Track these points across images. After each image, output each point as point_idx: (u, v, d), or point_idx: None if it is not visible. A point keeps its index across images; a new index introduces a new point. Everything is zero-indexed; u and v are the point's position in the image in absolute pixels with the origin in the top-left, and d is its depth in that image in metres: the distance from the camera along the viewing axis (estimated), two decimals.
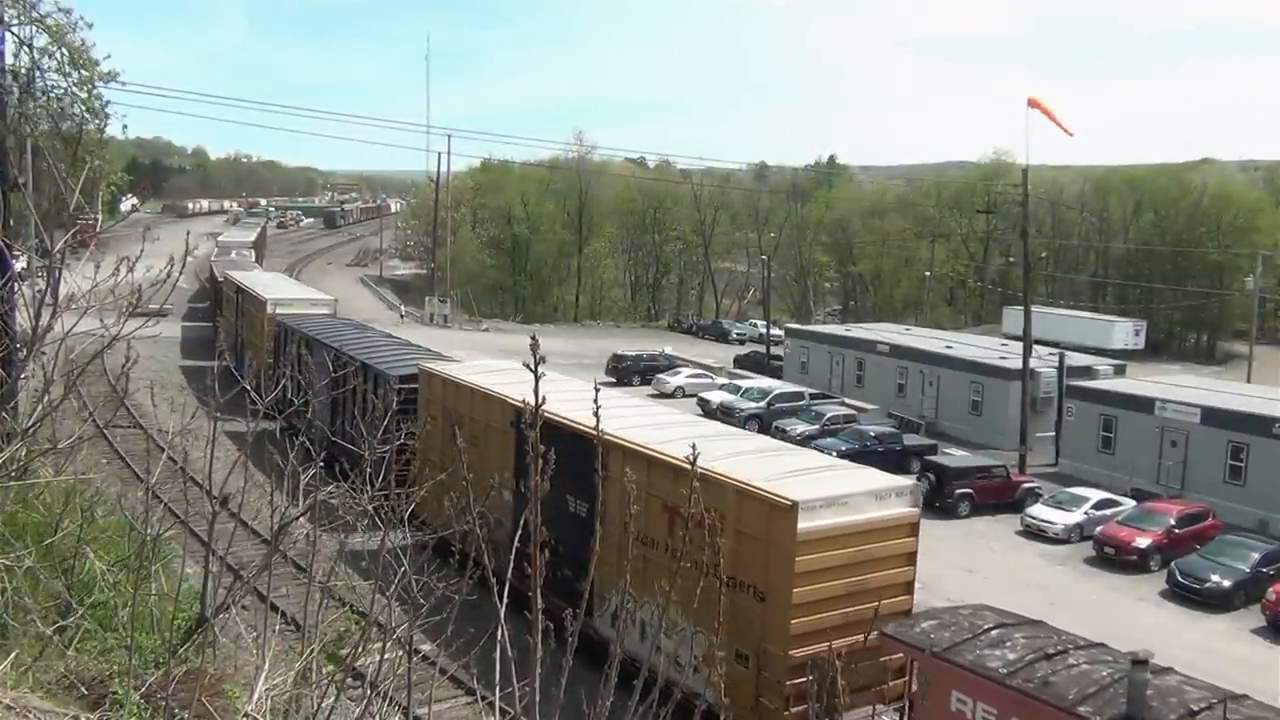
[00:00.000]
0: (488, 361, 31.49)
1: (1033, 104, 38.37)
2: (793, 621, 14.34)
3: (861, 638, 13.96)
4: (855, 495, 15.30)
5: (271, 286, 45.25)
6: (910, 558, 15.79)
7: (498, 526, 19.03)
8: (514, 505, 19.11)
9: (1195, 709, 11.60)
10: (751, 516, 15.07)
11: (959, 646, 13.31)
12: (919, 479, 29.27)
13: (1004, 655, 12.99)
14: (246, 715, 5.57)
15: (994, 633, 13.62)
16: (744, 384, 46.96)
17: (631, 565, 16.25)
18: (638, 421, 19.20)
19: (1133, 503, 31.33)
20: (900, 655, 14.34)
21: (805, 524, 14.43)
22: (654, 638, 15.30)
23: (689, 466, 15.20)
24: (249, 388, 7.84)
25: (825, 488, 15.34)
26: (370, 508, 6.90)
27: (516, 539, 4.03)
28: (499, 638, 4.00)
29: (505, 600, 4.11)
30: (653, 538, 16.52)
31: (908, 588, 15.82)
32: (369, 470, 6.83)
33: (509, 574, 3.95)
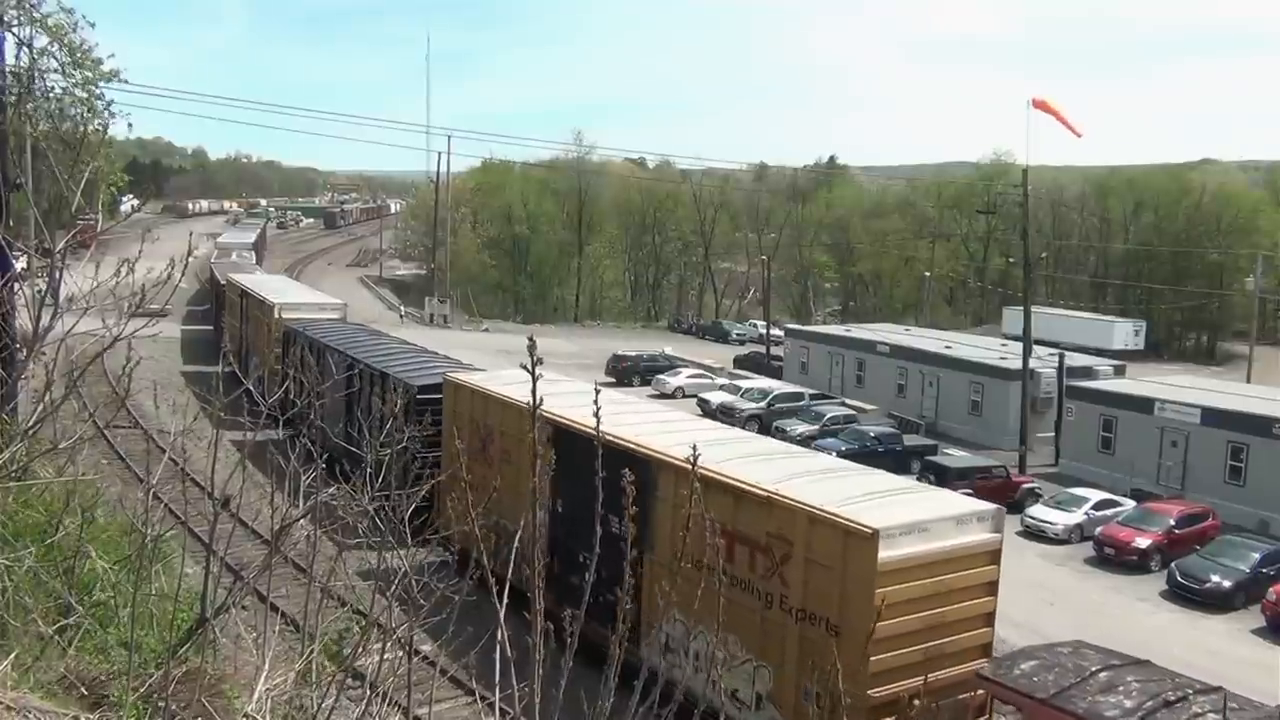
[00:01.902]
0: (518, 371, 30.89)
1: (1039, 105, 38.38)
2: (872, 659, 12.97)
3: (943, 676, 13.21)
4: (936, 521, 14.09)
5: (278, 290, 44.06)
6: (991, 587, 14.64)
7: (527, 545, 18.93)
8: (549, 523, 18.45)
9: None
10: (824, 544, 13.88)
11: (1069, 692, 12.52)
12: (919, 479, 29.27)
13: (1120, 703, 12.20)
14: (246, 715, 5.57)
15: (1103, 675, 12.84)
16: (744, 384, 46.97)
17: (685, 592, 15.78)
18: (688, 439, 17.75)
19: (1133, 503, 31.34)
20: (981, 694, 13.58)
21: (886, 553, 13.24)
22: (708, 668, 14.78)
23: (752, 489, 14.68)
24: (256, 395, 7.79)
25: (905, 513, 14.09)
26: (371, 510, 6.91)
27: (530, 547, 4.00)
28: (499, 638, 4.00)
29: (503, 602, 4.11)
30: (708, 565, 15.86)
31: (988, 620, 14.69)
32: (377, 475, 6.83)
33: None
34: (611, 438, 16.40)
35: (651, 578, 15.29)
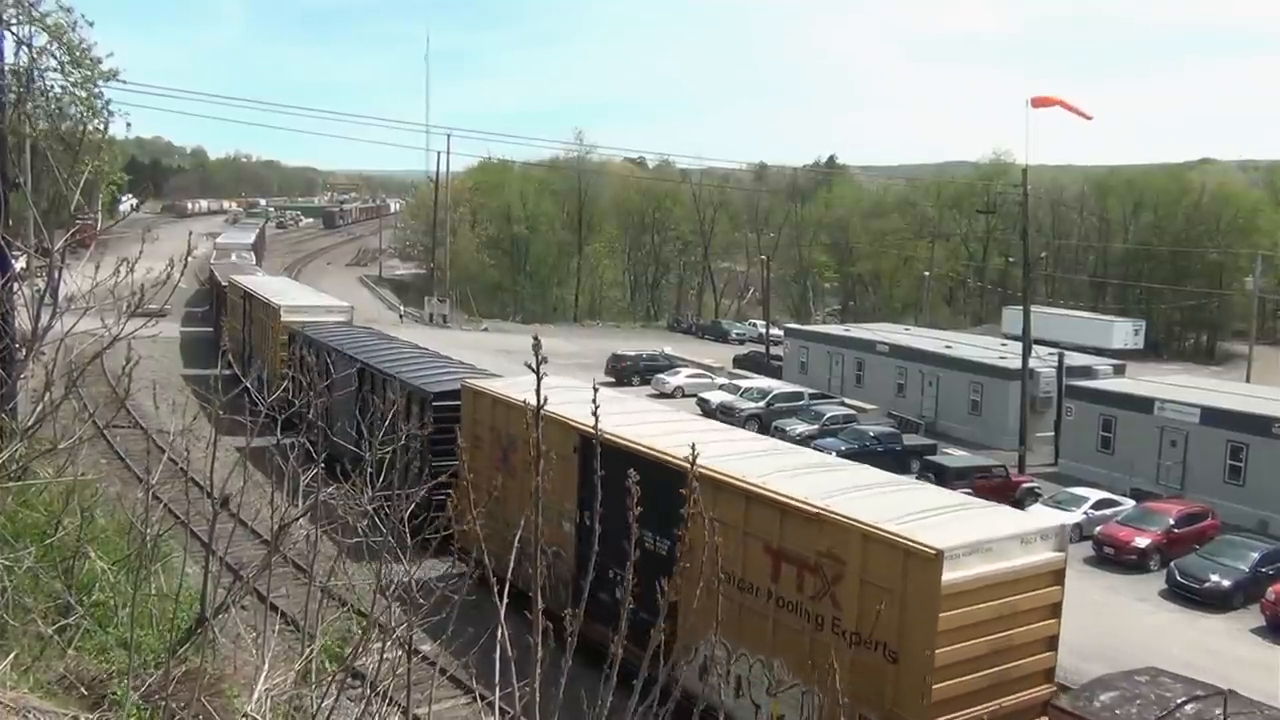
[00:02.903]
0: (548, 379, 29.59)
1: (1040, 102, 38.31)
2: (935, 686, 12.43)
3: (1007, 704, 12.77)
4: (1000, 540, 13.32)
5: (282, 292, 43.04)
6: (1055, 609, 13.94)
7: (557, 560, 17.82)
8: (576, 538, 17.94)
9: None
10: (882, 565, 13.08)
11: None
12: (919, 478, 29.27)
13: None
14: (246, 715, 5.57)
15: (1189, 708, 12.36)
16: (744, 384, 46.97)
17: (726, 612, 14.21)
18: (726, 450, 17.20)
19: (1132, 503, 31.33)
20: None
21: (950, 575, 12.47)
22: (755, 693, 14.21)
23: (800, 505, 14.14)
24: (256, 395, 7.75)
25: (968, 532, 13.29)
26: (370, 509, 6.90)
27: (532, 547, 3.98)
28: (499, 638, 4.00)
29: (504, 601, 4.10)
30: (752, 583, 14.75)
31: (1051, 643, 13.99)
32: (378, 476, 6.81)
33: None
34: (645, 448, 15.77)
35: (688, 596, 15.04)
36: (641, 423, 18.59)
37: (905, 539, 12.86)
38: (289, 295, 42.06)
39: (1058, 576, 13.92)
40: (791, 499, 14.36)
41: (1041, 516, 16.01)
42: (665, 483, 15.98)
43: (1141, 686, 13.12)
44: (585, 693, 3.84)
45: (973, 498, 18.00)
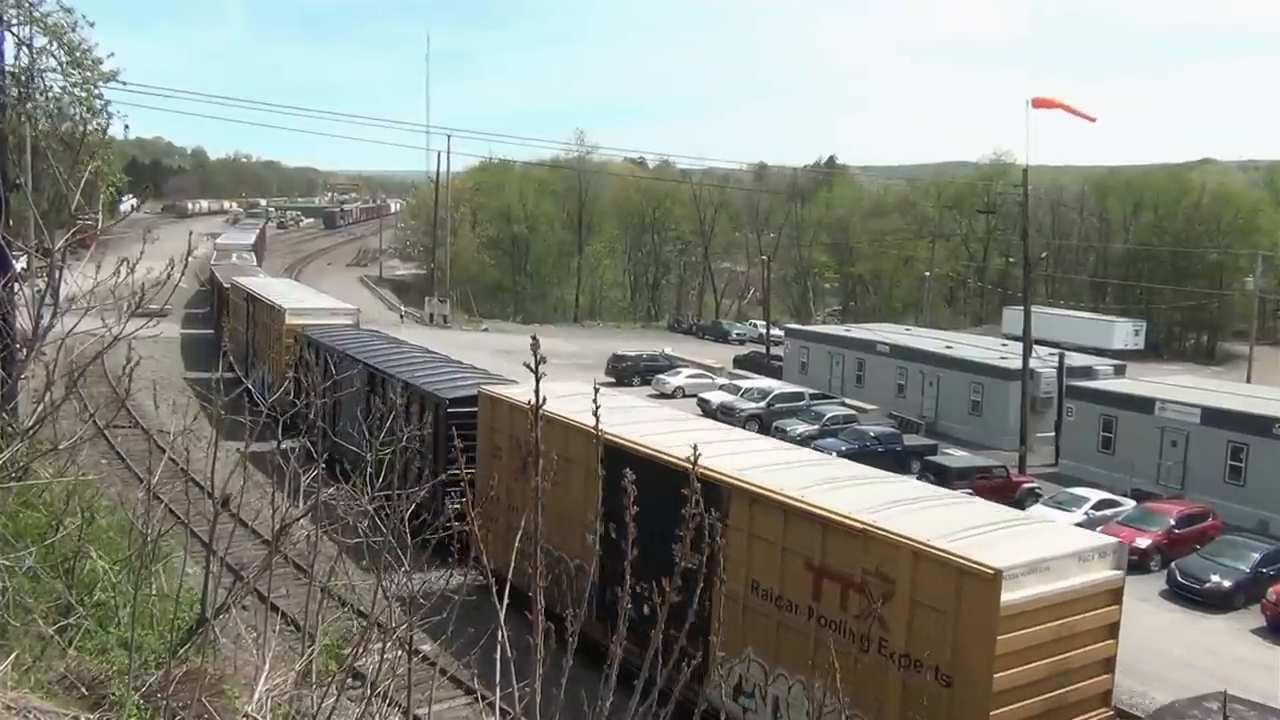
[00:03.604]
0: (563, 384, 27.30)
1: (1041, 103, 38.27)
2: (992, 713, 11.99)
3: None
4: (1058, 558, 12.83)
5: (286, 294, 42.31)
6: (1112, 629, 13.49)
7: (579, 573, 17.14)
8: (600, 551, 17.21)
9: None
10: (934, 584, 12.51)
11: None
12: (919, 478, 29.27)
13: None
14: (246, 715, 5.57)
15: None
16: (744, 384, 46.96)
17: (763, 630, 13.98)
18: (760, 461, 16.57)
19: (1133, 503, 31.31)
20: None
21: (1008, 596, 11.93)
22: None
23: (844, 521, 13.54)
24: (258, 396, 7.77)
25: (1025, 550, 12.69)
26: (369, 509, 6.90)
27: (533, 546, 3.98)
28: (499, 638, 4.00)
29: (504, 602, 4.10)
30: (791, 601, 14.19)
31: (1108, 665, 13.54)
32: (378, 476, 6.80)
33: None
34: (674, 459, 15.24)
35: (722, 613, 14.37)
36: (670, 431, 18.07)
37: (961, 558, 12.26)
38: (293, 297, 41.41)
39: (1116, 595, 13.47)
40: (835, 514, 13.75)
41: (1098, 534, 15.23)
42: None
43: (1213, 716, 12.65)
44: (585, 693, 3.84)
45: (1024, 514, 17.41)
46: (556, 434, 17.68)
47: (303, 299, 42.10)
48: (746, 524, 14.75)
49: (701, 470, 14.37)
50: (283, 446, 7.62)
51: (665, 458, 15.79)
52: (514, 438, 20.39)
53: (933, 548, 12.58)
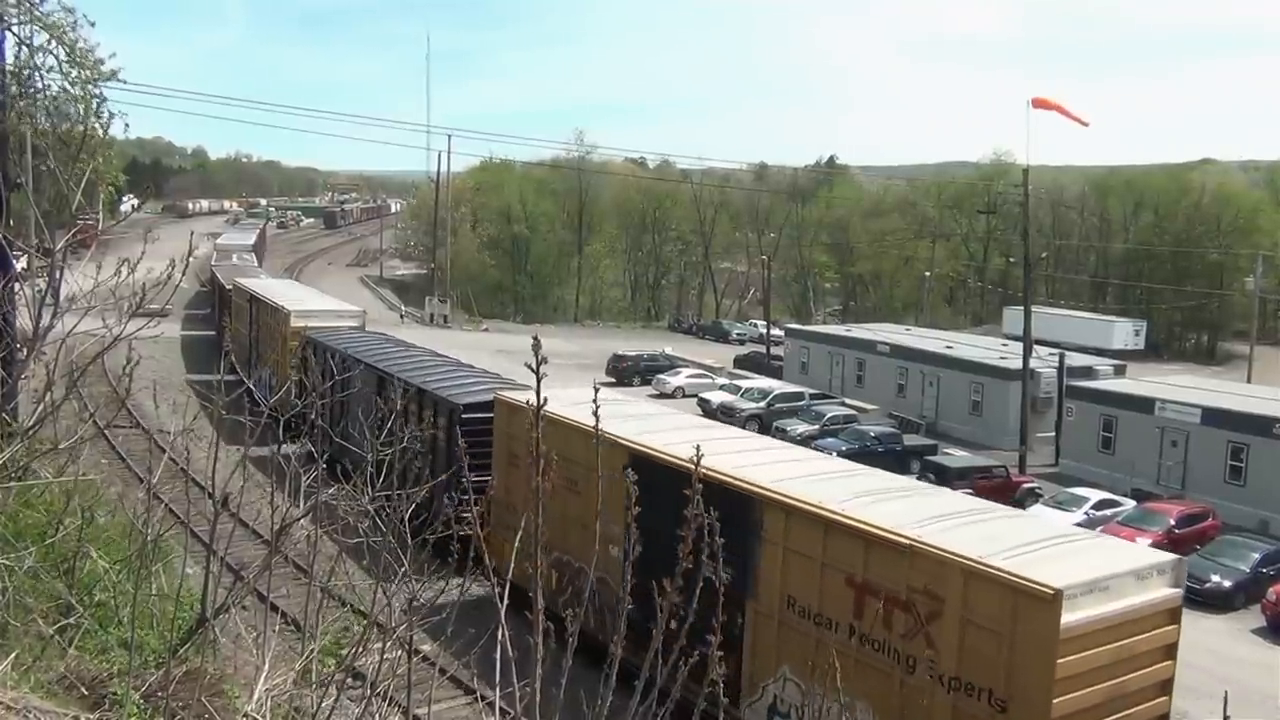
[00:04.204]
0: (584, 390, 26.16)
1: (1040, 104, 38.35)
2: None
3: None
4: (1116, 577, 12.30)
5: (290, 296, 41.52)
6: (1170, 650, 13.03)
7: (603, 587, 16.41)
8: (623, 565, 16.67)
9: None
10: (987, 604, 11.98)
11: None
12: (919, 479, 29.27)
13: None
14: (246, 715, 5.57)
15: None
16: (744, 384, 47.00)
17: (801, 648, 13.44)
18: (795, 472, 15.93)
19: (1133, 503, 31.32)
20: None
21: (1068, 617, 11.42)
22: None
23: (888, 536, 13.00)
24: (263, 400, 7.71)
25: (1083, 568, 12.16)
26: (371, 509, 6.90)
27: (533, 545, 3.97)
28: (499, 637, 4.00)
29: (504, 600, 4.10)
30: (831, 618, 13.64)
31: (1165, 688, 13.06)
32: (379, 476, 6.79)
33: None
34: (706, 470, 14.98)
35: (755, 629, 14.22)
36: (698, 439, 17.15)
37: (1017, 577, 11.71)
38: (298, 299, 40.67)
39: (1174, 615, 13.02)
40: (879, 529, 13.19)
41: (1155, 550, 14.73)
42: (728, 508, 14.34)
43: None
44: (585, 693, 3.84)
45: (1078, 529, 16.85)
46: (577, 441, 17.32)
47: (307, 301, 41.38)
48: (782, 538, 14.29)
49: (734, 482, 13.76)
50: (286, 450, 7.61)
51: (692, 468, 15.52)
52: (530, 444, 19.82)
53: (986, 565, 12.02)
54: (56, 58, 14.19)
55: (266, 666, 5.78)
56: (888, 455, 33.81)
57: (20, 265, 10.54)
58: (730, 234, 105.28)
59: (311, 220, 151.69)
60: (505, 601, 4.08)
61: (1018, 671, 11.66)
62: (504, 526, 18.29)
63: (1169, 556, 13.51)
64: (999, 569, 11.92)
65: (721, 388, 46.90)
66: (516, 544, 4.27)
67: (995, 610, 11.86)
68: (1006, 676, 11.73)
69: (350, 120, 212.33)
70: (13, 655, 5.88)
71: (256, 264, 68.87)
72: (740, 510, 14.44)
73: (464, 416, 22.24)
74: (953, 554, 12.33)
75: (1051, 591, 11.39)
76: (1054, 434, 40.26)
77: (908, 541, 12.82)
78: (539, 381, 3.52)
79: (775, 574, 14.19)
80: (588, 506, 15.63)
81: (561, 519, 15.60)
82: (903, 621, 12.74)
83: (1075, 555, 12.84)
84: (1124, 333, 70.03)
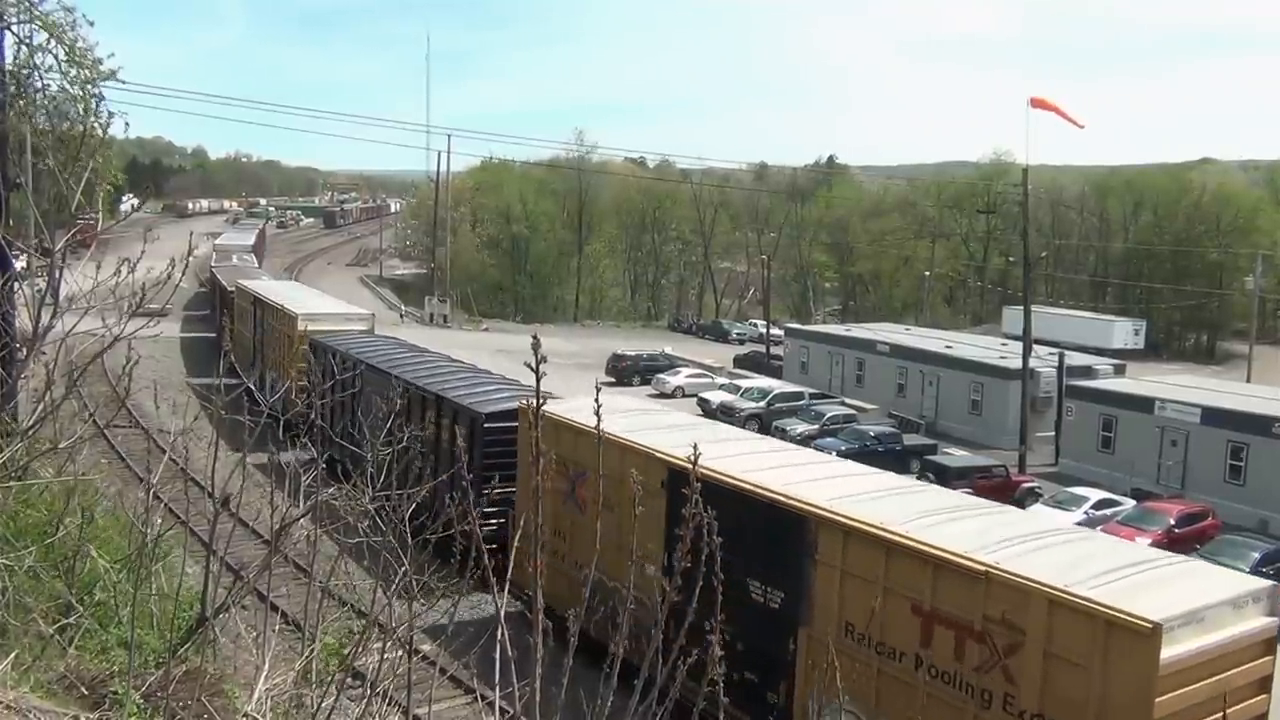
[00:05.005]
0: (618, 399, 25.18)
1: (1037, 104, 38.38)
2: None
3: None
4: (1213, 607, 11.44)
5: (297, 299, 40.34)
6: (1264, 684, 12.02)
7: (639, 609, 16.98)
8: (669, 589, 16.07)
9: None
10: (1074, 636, 11.16)
11: None
12: (919, 478, 29.28)
13: None
14: (246, 715, 5.57)
15: None
16: (744, 384, 46.99)
17: (861, 678, 12.92)
18: (850, 489, 14.91)
19: (1133, 502, 31.32)
20: None
21: (1168, 652, 10.60)
22: None
23: (961, 561, 12.14)
24: (263, 399, 7.67)
25: (1178, 599, 11.26)
26: (372, 509, 6.89)
27: (533, 545, 3.96)
28: (499, 637, 4.00)
29: (503, 599, 4.09)
30: (894, 647, 12.81)
31: None
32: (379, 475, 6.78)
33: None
34: (751, 486, 14.22)
35: (809, 657, 13.46)
36: (740, 454, 16.62)
37: (1109, 608, 10.87)
38: (305, 302, 39.63)
39: (1269, 646, 12.07)
40: (950, 553, 12.36)
41: (1248, 576, 13.94)
42: (778, 527, 13.99)
43: None
44: (585, 693, 3.84)
45: (1164, 553, 16.04)
46: (612, 454, 16.50)
47: (315, 303, 40.39)
48: (839, 560, 13.49)
49: (785, 500, 13.13)
50: (295, 455, 7.55)
51: (740, 485, 14.49)
52: (558, 457, 17.88)
53: (1073, 595, 11.15)
54: (56, 57, 14.18)
55: (266, 666, 5.78)
56: (887, 455, 33.79)
57: (20, 265, 10.54)
58: (730, 234, 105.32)
59: (311, 220, 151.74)
60: (505, 601, 4.07)
61: (1110, 710, 10.87)
62: (530, 540, 18.07)
63: (1264, 583, 12.63)
64: (1088, 599, 11.08)
65: (721, 387, 46.89)
66: (518, 550, 4.25)
67: (1084, 643, 11.03)
68: (1097, 715, 10.94)
69: (350, 120, 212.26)
70: (13, 655, 5.88)
71: (256, 264, 68.54)
72: (792, 530, 13.96)
73: (486, 426, 21.40)
74: (1035, 582, 11.47)
75: (1150, 625, 10.58)
76: (1054, 434, 40.26)
77: (983, 567, 12.00)
78: (539, 381, 3.52)
79: (831, 599, 13.38)
80: (621, 523, 14.48)
81: (590, 536, 15.24)
82: (977, 653, 11.95)
83: (1168, 583, 12.00)
84: (1124, 332, 70.04)
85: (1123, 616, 10.74)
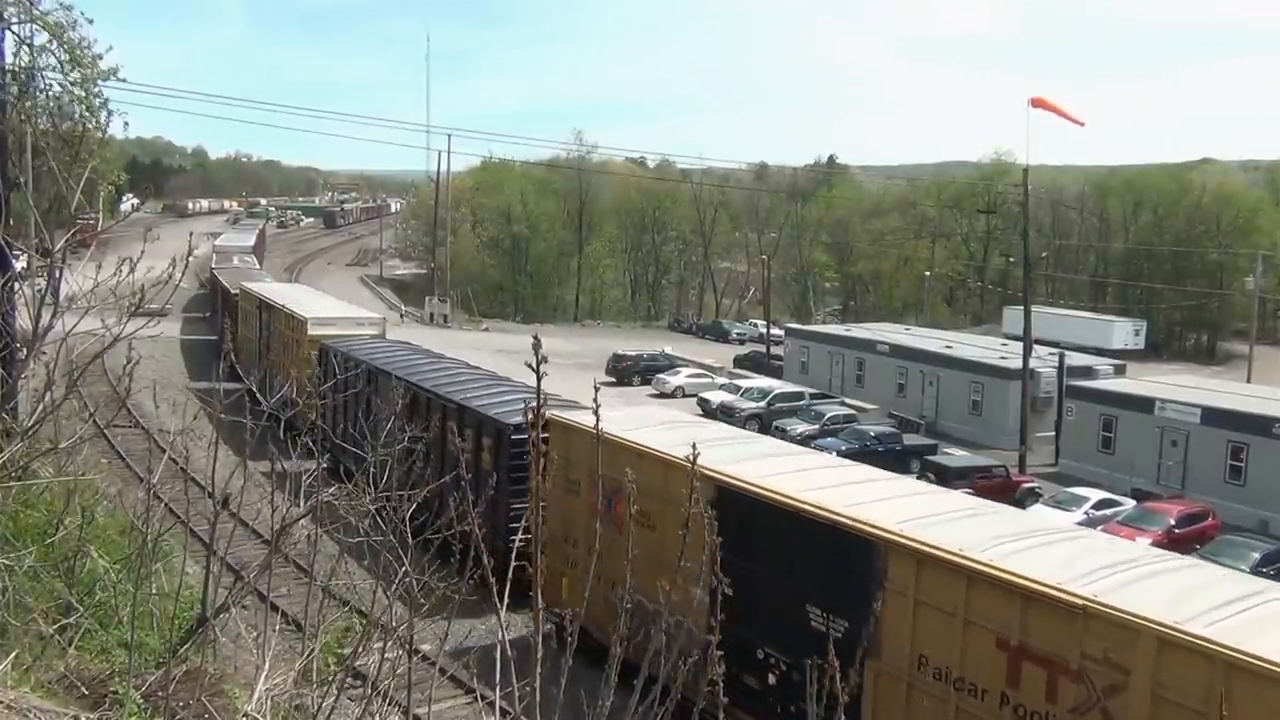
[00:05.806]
0: (650, 411, 24.15)
1: (1037, 103, 38.41)
2: None
3: None
4: None
5: (305, 302, 39.33)
6: None
7: (679, 629, 16.28)
8: (710, 608, 14.78)
9: None
10: (1188, 679, 10.17)
11: None
12: (919, 478, 29.27)
13: None
14: (246, 715, 5.57)
15: None
16: (744, 384, 47.01)
17: (936, 717, 12.37)
18: (921, 510, 13.87)
19: (1133, 503, 31.31)
20: None
21: None
22: None
23: (1054, 594, 11.16)
24: (263, 399, 7.64)
25: None
26: (373, 510, 6.89)
27: (534, 547, 3.95)
28: (499, 637, 4.00)
29: (504, 600, 4.09)
30: (976, 684, 11.87)
31: None
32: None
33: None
34: (813, 506, 13.50)
35: (878, 692, 12.62)
36: (795, 470, 15.78)
37: (1231, 650, 9.85)
38: (313, 306, 38.52)
39: None
40: (1042, 584, 11.39)
41: None
42: (841, 551, 13.29)
43: None
44: (585, 693, 3.84)
45: (1271, 582, 14.32)
46: (651, 470, 15.80)
47: (324, 307, 39.21)
48: (911, 588, 12.56)
49: (849, 523, 12.36)
50: (307, 464, 7.43)
51: (798, 505, 13.76)
52: (593, 472, 17.34)
53: (1187, 634, 10.17)
54: (57, 57, 14.20)
55: (267, 666, 5.78)
56: (887, 455, 33.80)
57: (20, 265, 10.54)
58: (730, 234, 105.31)
59: (311, 220, 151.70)
60: (506, 601, 4.07)
61: None
62: (562, 559, 16.79)
63: None
64: (1206, 638, 10.05)
65: (721, 387, 46.90)
66: (548, 568, 4.24)
67: (1201, 688, 10.02)
68: None
69: (350, 120, 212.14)
70: (13, 655, 5.88)
71: (257, 265, 68.08)
72: (857, 555, 13.10)
73: (514, 438, 20.57)
74: (1142, 618, 10.53)
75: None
76: (1054, 434, 40.25)
77: (1081, 601, 11.04)
78: (539, 380, 3.52)
79: (903, 630, 12.47)
80: (662, 543, 13.83)
81: (633, 555, 14.33)
82: (1073, 693, 11.03)
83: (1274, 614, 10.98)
84: (1124, 332, 70.03)
85: (1250, 660, 9.73)
